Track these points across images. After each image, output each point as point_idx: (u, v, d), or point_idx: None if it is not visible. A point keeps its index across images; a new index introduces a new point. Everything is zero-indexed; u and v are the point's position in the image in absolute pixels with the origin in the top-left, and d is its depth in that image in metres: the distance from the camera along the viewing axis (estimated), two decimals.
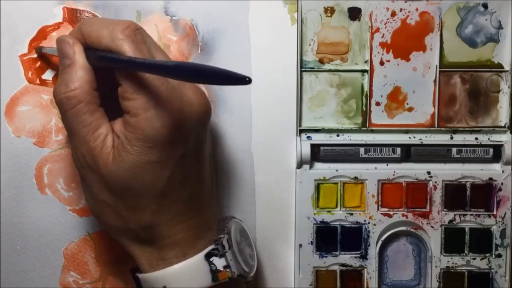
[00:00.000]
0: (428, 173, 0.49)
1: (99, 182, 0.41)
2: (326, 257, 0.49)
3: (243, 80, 0.32)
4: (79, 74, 0.40)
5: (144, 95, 0.39)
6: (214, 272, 0.42)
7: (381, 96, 0.49)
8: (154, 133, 0.39)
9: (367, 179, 0.49)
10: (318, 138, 0.49)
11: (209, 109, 0.42)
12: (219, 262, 0.42)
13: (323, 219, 0.49)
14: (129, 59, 0.38)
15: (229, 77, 0.33)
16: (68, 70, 0.41)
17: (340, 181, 0.49)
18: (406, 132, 0.49)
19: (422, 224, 0.49)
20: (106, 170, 0.40)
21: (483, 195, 0.49)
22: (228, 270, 0.42)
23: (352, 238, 0.49)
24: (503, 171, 0.49)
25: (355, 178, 0.49)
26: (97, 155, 0.40)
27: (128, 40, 0.39)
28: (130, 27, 0.40)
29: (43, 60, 0.48)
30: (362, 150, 0.49)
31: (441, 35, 0.49)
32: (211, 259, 0.42)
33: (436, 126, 0.49)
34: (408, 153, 0.49)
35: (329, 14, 0.48)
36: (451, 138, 0.49)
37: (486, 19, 0.48)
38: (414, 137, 0.49)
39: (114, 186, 0.41)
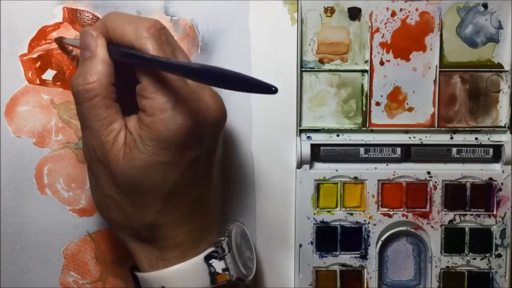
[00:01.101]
0: (428, 173, 0.49)
1: (107, 176, 0.41)
2: (326, 257, 0.49)
3: (269, 89, 0.32)
4: (99, 67, 0.40)
5: (163, 95, 0.39)
6: (213, 275, 0.42)
7: (381, 96, 0.49)
8: (168, 135, 0.39)
9: (367, 179, 0.49)
10: (318, 138, 0.49)
11: (225, 115, 0.42)
12: (218, 265, 0.42)
13: (323, 219, 0.49)
14: (153, 58, 0.38)
15: (255, 85, 0.32)
16: (88, 63, 0.41)
17: (340, 181, 0.49)
18: (406, 132, 0.49)
19: (422, 224, 0.49)
20: (116, 166, 0.40)
21: (483, 195, 0.49)
22: (226, 273, 0.42)
23: (352, 238, 0.49)
24: (503, 171, 0.49)
25: (355, 178, 0.49)
26: (108, 150, 0.40)
27: (152, 39, 0.39)
28: (155, 26, 0.40)
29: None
30: (362, 150, 0.49)
31: (441, 35, 0.49)
32: (210, 262, 0.42)
33: (436, 126, 0.49)
34: (408, 153, 0.49)
35: (329, 14, 0.48)
36: (451, 138, 0.49)
37: (486, 19, 0.48)
38: (414, 137, 0.49)
39: (122, 182, 0.40)
